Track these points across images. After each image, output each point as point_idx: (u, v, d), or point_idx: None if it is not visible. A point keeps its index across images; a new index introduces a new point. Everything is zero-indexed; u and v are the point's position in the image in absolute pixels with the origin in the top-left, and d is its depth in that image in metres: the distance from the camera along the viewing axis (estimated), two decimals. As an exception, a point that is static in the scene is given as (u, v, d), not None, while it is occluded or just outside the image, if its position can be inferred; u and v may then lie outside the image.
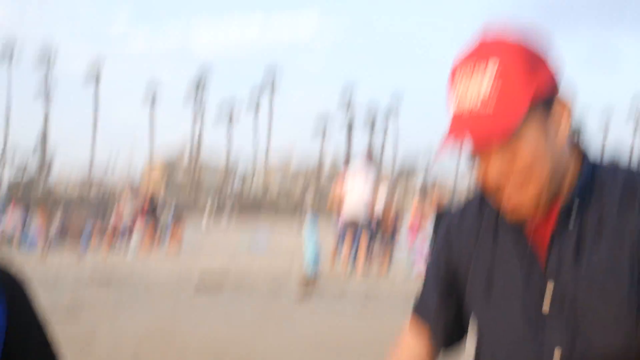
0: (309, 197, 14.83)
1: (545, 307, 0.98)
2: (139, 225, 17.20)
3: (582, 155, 1.03)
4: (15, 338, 1.12)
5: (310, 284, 10.07)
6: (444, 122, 0.98)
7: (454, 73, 0.99)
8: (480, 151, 0.98)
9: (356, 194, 11.12)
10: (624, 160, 1.07)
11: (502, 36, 0.96)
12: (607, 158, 1.07)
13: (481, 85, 0.93)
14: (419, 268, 11.11)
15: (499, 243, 1.06)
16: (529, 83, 0.92)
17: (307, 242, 11.34)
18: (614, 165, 1.05)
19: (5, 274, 1.18)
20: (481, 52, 0.95)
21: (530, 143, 0.94)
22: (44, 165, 58.12)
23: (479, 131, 0.92)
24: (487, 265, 1.07)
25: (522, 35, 0.96)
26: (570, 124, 0.98)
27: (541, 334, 0.97)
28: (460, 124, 0.95)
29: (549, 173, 0.96)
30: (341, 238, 11.90)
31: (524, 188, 0.96)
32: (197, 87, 62.64)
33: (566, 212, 0.99)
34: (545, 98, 0.95)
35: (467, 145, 0.98)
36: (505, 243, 1.06)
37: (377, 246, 12.49)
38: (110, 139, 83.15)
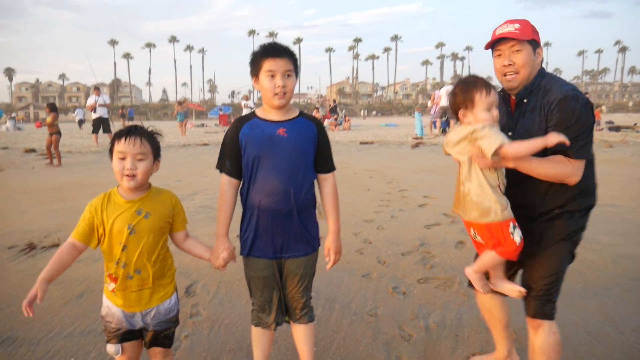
0: (415, 103, 24.26)
1: (511, 132, 2.31)
2: (328, 118, 29.63)
3: (541, 70, 2.31)
4: None
5: (418, 140, 18.67)
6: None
7: (499, 26, 2.32)
8: (504, 48, 2.28)
9: (443, 99, 19.12)
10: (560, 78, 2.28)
11: (520, 20, 2.31)
12: (553, 75, 2.31)
13: (513, 26, 2.27)
14: None
15: (502, 106, 2.37)
16: (531, 33, 2.26)
17: (416, 121, 21.44)
18: (553, 77, 2.30)
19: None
20: (512, 21, 2.31)
21: (525, 53, 2.25)
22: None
23: (510, 34, 2.23)
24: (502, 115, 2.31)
25: (528, 21, 2.31)
26: (541, 58, 2.28)
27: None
28: (500, 33, 2.27)
29: (527, 71, 2.26)
30: (435, 120, 22.07)
31: (516, 74, 2.26)
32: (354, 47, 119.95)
33: (523, 94, 2.30)
34: (536, 43, 2.28)
35: (498, 45, 2.30)
36: (503, 105, 2.38)
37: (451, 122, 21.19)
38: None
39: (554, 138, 2.04)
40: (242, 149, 2.31)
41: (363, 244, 4.99)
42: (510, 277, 2.52)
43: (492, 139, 2.08)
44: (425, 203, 6.93)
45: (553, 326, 2.27)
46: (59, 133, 12.79)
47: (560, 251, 2.26)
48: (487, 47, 2.41)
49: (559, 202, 2.26)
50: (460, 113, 2.24)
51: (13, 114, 55.53)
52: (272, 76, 2.22)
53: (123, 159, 2.06)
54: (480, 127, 2.12)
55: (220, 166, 2.40)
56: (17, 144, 20.82)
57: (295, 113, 2.38)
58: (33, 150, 16.75)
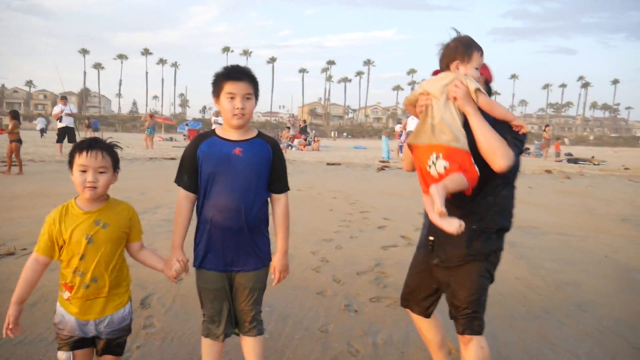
0: (385, 127, 25.38)
1: None
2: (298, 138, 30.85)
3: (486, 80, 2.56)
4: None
5: (384, 163, 19.29)
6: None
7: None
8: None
9: (410, 125, 19.37)
10: None
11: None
12: None
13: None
14: None
15: None
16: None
17: (383, 145, 21.92)
18: None
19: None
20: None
21: None
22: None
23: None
24: None
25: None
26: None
27: None
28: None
29: None
30: (402, 145, 21.90)
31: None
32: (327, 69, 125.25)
33: None
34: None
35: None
36: None
37: None
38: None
39: (517, 120, 2.28)
40: (199, 165, 2.40)
41: (320, 262, 5.10)
42: (435, 300, 2.70)
43: (476, 83, 2.29)
44: (384, 225, 7.10)
45: (482, 341, 2.38)
46: (19, 141, 12.57)
47: (479, 270, 2.42)
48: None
49: (478, 215, 2.38)
50: (455, 64, 2.36)
51: (-26, 119, 53.96)
52: (232, 98, 2.33)
53: (84, 171, 2.11)
54: (468, 77, 2.31)
55: (179, 180, 2.48)
56: (-23, 150, 20.26)
57: (253, 133, 2.46)
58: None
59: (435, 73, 2.53)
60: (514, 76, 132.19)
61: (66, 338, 2.19)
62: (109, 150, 2.20)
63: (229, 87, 2.33)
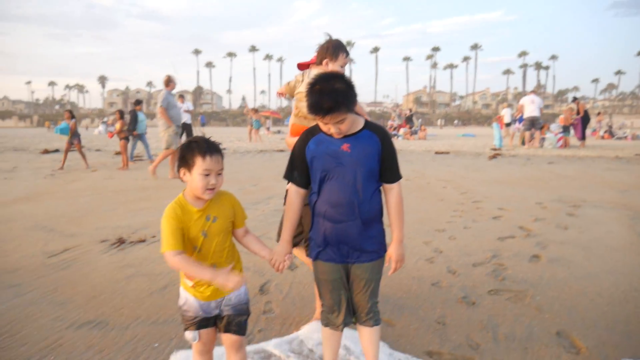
0: (496, 113, 24.27)
1: None
2: (403, 127, 31.40)
3: None
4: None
5: (496, 151, 18.26)
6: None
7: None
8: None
9: (528, 109, 19.14)
10: None
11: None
12: None
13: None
14: (558, 145, 20.13)
15: None
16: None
17: (495, 132, 21.01)
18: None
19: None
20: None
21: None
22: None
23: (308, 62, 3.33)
24: None
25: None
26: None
27: None
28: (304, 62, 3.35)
29: None
30: (516, 130, 22.07)
31: None
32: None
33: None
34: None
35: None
36: None
37: (535, 133, 20.15)
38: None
39: None
40: (308, 162, 2.45)
41: (434, 252, 4.99)
42: None
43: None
44: (499, 215, 6.79)
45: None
46: (127, 138, 13.78)
47: None
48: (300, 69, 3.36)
49: None
50: (325, 61, 3.00)
51: (105, 119, 59.14)
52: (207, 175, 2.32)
53: (208, 175, 2.18)
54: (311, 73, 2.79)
55: (289, 176, 2.54)
56: (108, 146, 22.27)
57: (360, 125, 2.44)
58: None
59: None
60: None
61: (191, 319, 2.33)
62: (221, 151, 2.29)
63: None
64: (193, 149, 2.20)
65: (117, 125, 13.94)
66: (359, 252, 2.43)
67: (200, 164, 2.17)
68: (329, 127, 2.32)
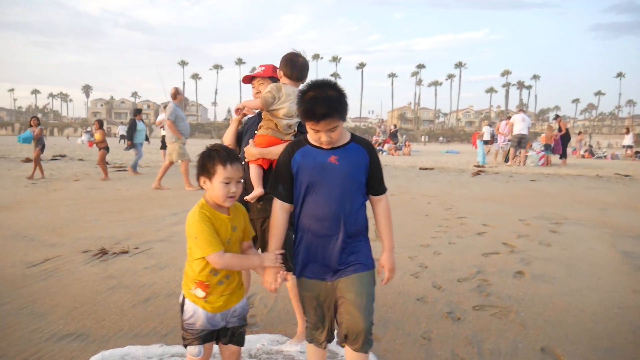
0: (480, 130, 24.45)
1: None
2: (388, 143, 31.27)
3: None
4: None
5: (479, 168, 18.56)
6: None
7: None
8: (256, 83, 3.42)
9: (517, 127, 19.42)
10: None
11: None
12: None
13: (261, 69, 3.43)
14: (540, 163, 20.23)
15: None
16: (271, 72, 3.39)
17: (478, 149, 21.24)
18: None
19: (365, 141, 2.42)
20: (261, 65, 3.39)
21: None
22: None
23: (257, 74, 3.43)
24: None
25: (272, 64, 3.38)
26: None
27: None
28: (255, 73, 3.49)
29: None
30: (501, 147, 22.14)
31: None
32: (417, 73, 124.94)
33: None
34: (276, 78, 3.31)
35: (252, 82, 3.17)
36: None
37: (519, 151, 20.37)
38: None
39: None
40: (294, 175, 2.37)
41: (419, 267, 5.00)
42: None
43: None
44: (484, 231, 6.84)
45: None
46: (107, 149, 13.57)
47: None
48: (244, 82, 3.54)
49: None
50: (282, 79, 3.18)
51: (88, 128, 58.59)
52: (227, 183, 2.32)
53: (228, 183, 2.20)
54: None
55: (273, 190, 2.45)
56: (92, 156, 22.01)
57: (347, 138, 2.39)
58: (107, 163, 17.65)
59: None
60: (620, 74, 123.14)
61: (197, 332, 2.29)
62: (240, 159, 2.32)
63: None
64: (214, 157, 2.22)
65: (97, 135, 13.70)
66: (345, 266, 2.33)
67: (222, 172, 2.20)
68: (320, 135, 2.25)
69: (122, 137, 39.21)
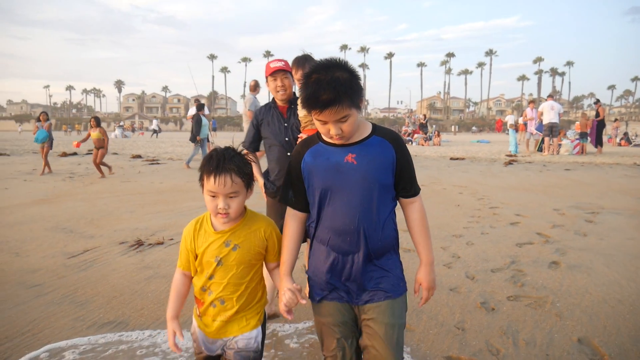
0: (509, 119, 23.92)
1: (286, 124, 3.43)
2: (418, 133, 31.49)
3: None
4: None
5: (511, 158, 18.39)
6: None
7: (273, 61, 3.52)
8: (278, 76, 3.47)
9: (547, 115, 18.70)
10: None
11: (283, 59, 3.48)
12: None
13: (281, 63, 3.49)
14: (574, 152, 20.09)
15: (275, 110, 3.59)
16: (289, 67, 3.50)
17: (510, 138, 20.86)
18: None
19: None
20: (279, 60, 3.49)
21: (288, 79, 3.51)
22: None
23: (281, 67, 3.48)
24: None
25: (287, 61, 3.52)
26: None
27: None
28: (275, 67, 3.49)
29: (292, 90, 3.55)
30: (532, 136, 21.59)
31: (284, 92, 3.50)
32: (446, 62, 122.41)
33: (290, 102, 3.48)
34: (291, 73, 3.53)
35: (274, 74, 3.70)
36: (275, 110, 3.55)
37: (552, 140, 19.79)
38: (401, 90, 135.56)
39: None
40: (304, 179, 2.01)
41: (451, 258, 4.97)
42: None
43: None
44: (517, 221, 6.74)
45: None
46: (103, 147, 12.61)
47: None
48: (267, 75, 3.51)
49: None
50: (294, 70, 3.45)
51: (121, 123, 59.83)
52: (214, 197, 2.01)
53: (214, 197, 1.89)
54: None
55: (284, 197, 2.10)
56: (125, 150, 22.51)
57: (368, 131, 1.96)
58: (139, 156, 18.04)
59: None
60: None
61: (197, 352, 2.10)
62: (239, 170, 1.90)
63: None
64: (204, 164, 1.91)
65: (95, 134, 12.53)
66: (371, 289, 1.96)
67: (206, 183, 1.89)
68: (329, 127, 1.84)
69: (154, 131, 39.94)
